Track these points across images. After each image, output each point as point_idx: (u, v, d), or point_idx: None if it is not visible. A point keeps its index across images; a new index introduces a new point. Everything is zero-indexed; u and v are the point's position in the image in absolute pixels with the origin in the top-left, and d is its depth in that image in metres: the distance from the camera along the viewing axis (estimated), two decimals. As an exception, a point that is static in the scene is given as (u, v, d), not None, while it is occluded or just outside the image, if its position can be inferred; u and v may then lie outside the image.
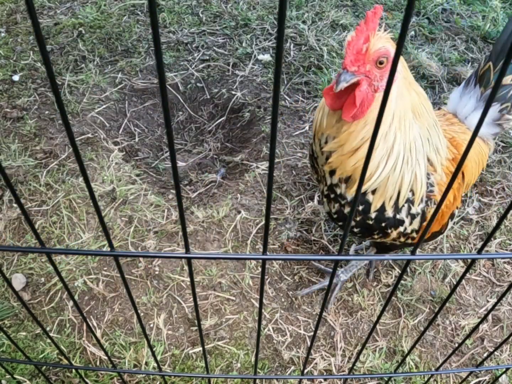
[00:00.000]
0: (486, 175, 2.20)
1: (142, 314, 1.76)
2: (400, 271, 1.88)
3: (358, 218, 1.32)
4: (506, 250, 1.97)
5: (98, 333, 1.71)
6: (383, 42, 1.07)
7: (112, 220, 1.98)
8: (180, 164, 2.22)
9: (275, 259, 0.81)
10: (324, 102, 1.20)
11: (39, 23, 0.66)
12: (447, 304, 1.81)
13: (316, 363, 1.67)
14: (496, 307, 1.83)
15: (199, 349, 1.69)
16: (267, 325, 1.75)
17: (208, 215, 2.01)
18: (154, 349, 1.67)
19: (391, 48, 1.08)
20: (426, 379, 1.61)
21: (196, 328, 1.74)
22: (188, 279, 1.84)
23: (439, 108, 1.76)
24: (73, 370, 1.61)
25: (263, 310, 1.78)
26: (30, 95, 2.44)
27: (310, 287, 1.81)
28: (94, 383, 1.60)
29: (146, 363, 1.65)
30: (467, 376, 1.58)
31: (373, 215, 1.29)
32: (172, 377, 1.60)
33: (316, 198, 2.08)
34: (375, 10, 1.06)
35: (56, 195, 2.04)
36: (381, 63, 1.10)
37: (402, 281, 1.85)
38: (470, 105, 1.56)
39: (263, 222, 1.98)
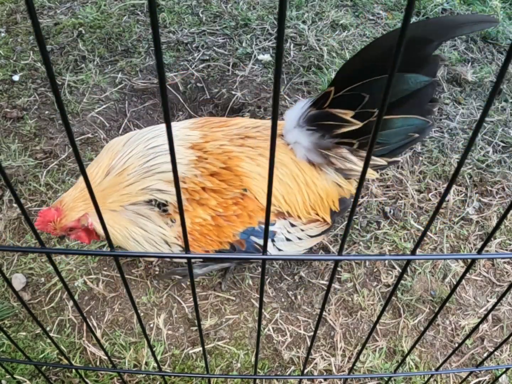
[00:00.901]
0: (486, 175, 2.20)
1: (142, 314, 1.76)
2: (400, 271, 1.88)
3: None
4: (506, 250, 1.97)
5: (98, 333, 1.71)
6: (63, 223, 1.36)
7: (112, 220, 1.98)
8: (180, 164, 2.22)
9: (275, 259, 0.81)
10: None
11: (39, 23, 0.66)
12: (447, 304, 1.81)
13: (316, 363, 1.67)
14: (496, 307, 1.83)
15: (199, 349, 1.69)
16: (267, 325, 1.75)
17: (208, 215, 2.01)
18: (154, 349, 1.67)
19: (70, 222, 1.36)
20: (426, 379, 1.61)
21: (196, 328, 1.74)
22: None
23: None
24: (73, 370, 1.61)
25: (263, 310, 1.78)
26: (30, 95, 2.44)
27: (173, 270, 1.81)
28: (94, 383, 1.60)
29: (146, 363, 1.65)
30: (467, 376, 1.58)
31: None
32: (172, 377, 1.60)
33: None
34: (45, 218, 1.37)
35: (56, 195, 2.04)
36: (71, 229, 1.40)
37: (402, 281, 1.85)
38: (294, 121, 1.37)
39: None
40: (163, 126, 1.43)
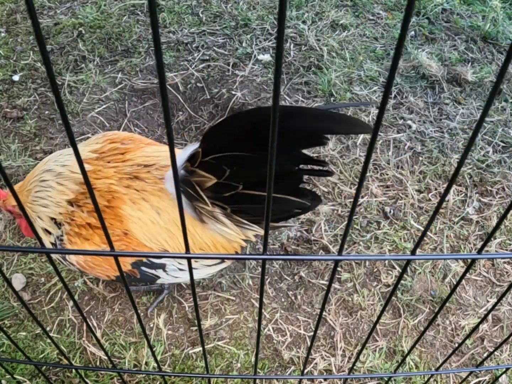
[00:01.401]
0: (486, 175, 2.20)
1: (142, 314, 1.76)
2: (400, 271, 1.88)
3: None
4: (506, 250, 1.97)
5: (98, 333, 1.71)
6: (5, 204, 1.47)
7: (112, 220, 1.98)
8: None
9: (275, 259, 0.81)
10: None
11: (39, 23, 0.66)
12: (447, 304, 1.81)
13: (316, 363, 1.67)
14: (496, 307, 1.83)
15: (199, 349, 1.69)
16: (267, 325, 1.75)
17: (208, 215, 2.01)
18: (154, 349, 1.67)
19: (9, 206, 1.46)
20: (426, 379, 1.61)
21: (196, 328, 1.74)
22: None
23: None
24: (73, 370, 1.61)
25: (263, 310, 1.78)
26: (30, 95, 2.44)
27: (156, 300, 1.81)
28: (94, 383, 1.60)
29: (146, 363, 1.65)
30: (467, 376, 1.58)
31: None
32: (172, 377, 1.60)
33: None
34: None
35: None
36: (11, 212, 1.53)
37: (402, 281, 1.85)
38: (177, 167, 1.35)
39: (263, 222, 1.97)
40: (59, 156, 1.45)
